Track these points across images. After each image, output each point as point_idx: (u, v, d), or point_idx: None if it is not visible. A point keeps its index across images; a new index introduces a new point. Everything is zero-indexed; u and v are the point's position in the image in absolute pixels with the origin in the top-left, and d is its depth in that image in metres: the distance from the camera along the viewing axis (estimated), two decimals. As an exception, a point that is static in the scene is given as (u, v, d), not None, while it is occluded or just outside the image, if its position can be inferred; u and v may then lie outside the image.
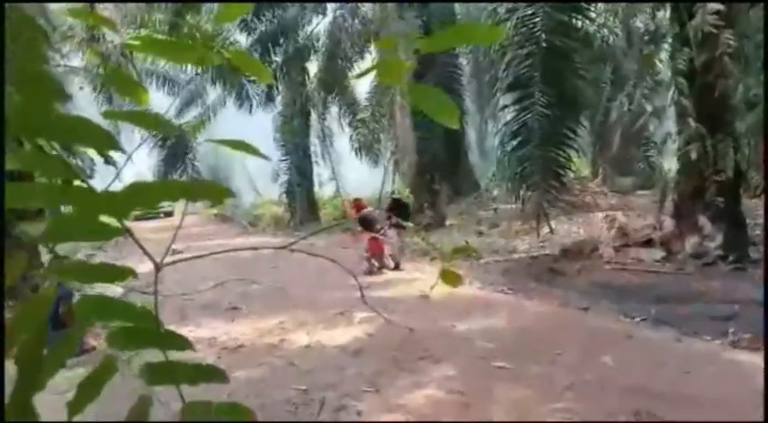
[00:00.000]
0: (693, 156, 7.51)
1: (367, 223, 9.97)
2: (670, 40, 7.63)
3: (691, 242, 8.13)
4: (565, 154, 9.22)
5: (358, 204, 10.80)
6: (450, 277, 1.26)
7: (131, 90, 0.94)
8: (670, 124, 7.81)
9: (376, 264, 9.73)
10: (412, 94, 0.94)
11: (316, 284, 8.70)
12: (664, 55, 7.99)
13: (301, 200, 19.00)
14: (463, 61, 18.43)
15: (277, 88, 18.82)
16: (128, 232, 0.75)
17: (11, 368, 0.70)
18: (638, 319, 6.61)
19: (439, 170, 15.36)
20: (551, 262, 9.36)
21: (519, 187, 9.45)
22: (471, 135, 24.48)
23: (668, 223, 8.75)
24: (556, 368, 4.86)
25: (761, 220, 9.36)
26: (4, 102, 0.65)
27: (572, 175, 11.73)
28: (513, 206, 12.45)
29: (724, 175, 7.68)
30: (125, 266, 0.76)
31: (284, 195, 19.45)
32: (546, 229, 10.62)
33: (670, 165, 7.93)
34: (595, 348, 5.37)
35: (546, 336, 5.80)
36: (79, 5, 10.83)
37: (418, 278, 8.84)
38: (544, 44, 8.76)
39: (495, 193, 17.98)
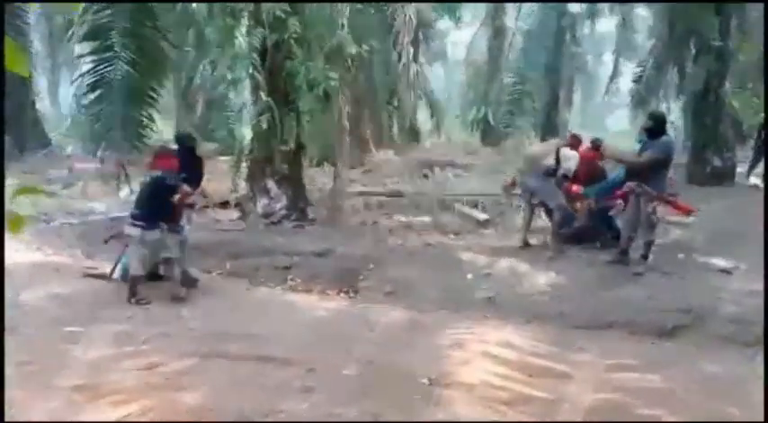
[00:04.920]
0: (264, 126, 8.44)
1: None
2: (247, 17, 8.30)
3: (261, 203, 9.14)
4: (147, 114, 9.09)
5: None
6: (14, 223, 1.25)
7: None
8: (246, 95, 8.53)
9: None
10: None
11: None
12: (243, 29, 8.59)
13: None
14: (29, -4, 16.00)
15: None
16: None
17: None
18: (215, 274, 7.17)
19: (-3, 120, 13.13)
20: (132, 224, 9.20)
21: (98, 146, 8.93)
22: (41, 81, 21.51)
23: (243, 187, 9.62)
24: (134, 326, 4.95)
25: (318, 186, 11.10)
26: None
27: (155, 136, 11.63)
28: (91, 166, 11.68)
29: (288, 146, 8.87)
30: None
31: None
32: (127, 191, 10.35)
33: (246, 133, 8.68)
34: (174, 304, 5.65)
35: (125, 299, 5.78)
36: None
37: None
38: (126, -2, 8.40)
39: (70, 149, 16.35)
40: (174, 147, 7.14)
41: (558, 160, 7.48)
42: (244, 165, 9.40)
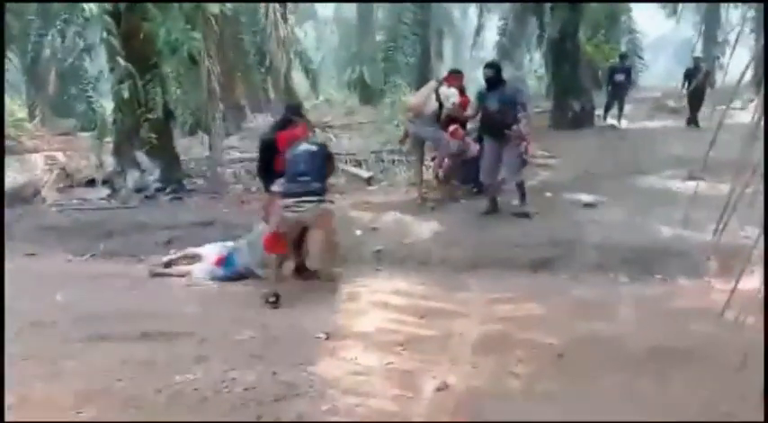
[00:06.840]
0: (126, 94, 7.87)
1: None
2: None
3: (132, 177, 8.62)
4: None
5: None
6: None
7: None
8: (103, 62, 7.91)
9: None
10: None
11: None
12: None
13: None
14: None
15: None
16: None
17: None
18: (87, 256, 6.74)
19: None
20: (-13, 211, 8.37)
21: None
22: None
23: (110, 161, 9.01)
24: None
25: (193, 156, 10.63)
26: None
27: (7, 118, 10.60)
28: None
29: (155, 114, 8.33)
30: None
31: None
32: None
33: (108, 104, 8.08)
34: (46, 289, 5.27)
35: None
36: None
37: None
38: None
39: None
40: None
41: (440, 102, 7.22)
42: (108, 138, 8.77)
